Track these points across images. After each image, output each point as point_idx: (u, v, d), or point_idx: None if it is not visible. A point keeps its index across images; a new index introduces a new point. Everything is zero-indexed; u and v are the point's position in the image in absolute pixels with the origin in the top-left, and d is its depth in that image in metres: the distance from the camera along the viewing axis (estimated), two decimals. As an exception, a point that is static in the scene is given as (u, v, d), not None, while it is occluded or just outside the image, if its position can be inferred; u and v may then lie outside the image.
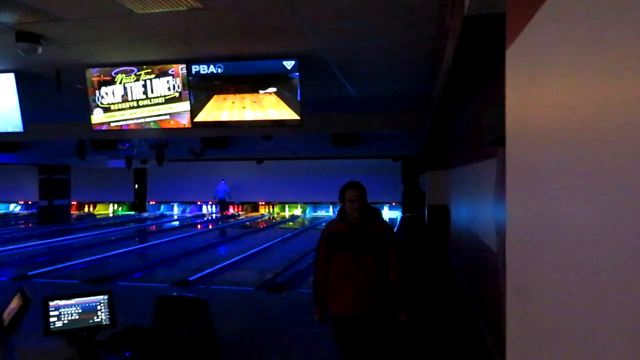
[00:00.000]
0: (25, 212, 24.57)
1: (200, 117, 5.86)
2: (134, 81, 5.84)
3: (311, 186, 21.76)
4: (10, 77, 6.05)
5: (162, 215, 23.13)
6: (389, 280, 3.16)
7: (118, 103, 6.01)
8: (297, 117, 5.60)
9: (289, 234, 14.72)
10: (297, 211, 23.05)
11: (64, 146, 13.00)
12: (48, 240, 13.81)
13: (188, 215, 23.25)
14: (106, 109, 6.08)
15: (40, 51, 4.78)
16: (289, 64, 5.40)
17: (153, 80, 5.80)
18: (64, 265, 9.76)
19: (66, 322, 2.89)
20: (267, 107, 5.63)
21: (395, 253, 3.18)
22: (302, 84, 5.51)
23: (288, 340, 4.70)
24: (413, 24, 4.34)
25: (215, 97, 5.77)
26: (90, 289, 4.17)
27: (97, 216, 23.53)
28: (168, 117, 5.94)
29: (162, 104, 5.90)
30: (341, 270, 3.14)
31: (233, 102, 5.73)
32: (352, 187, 3.22)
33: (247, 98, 5.69)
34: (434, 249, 11.27)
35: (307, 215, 22.31)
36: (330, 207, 22.46)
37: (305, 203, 22.87)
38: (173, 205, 24.63)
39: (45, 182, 18.90)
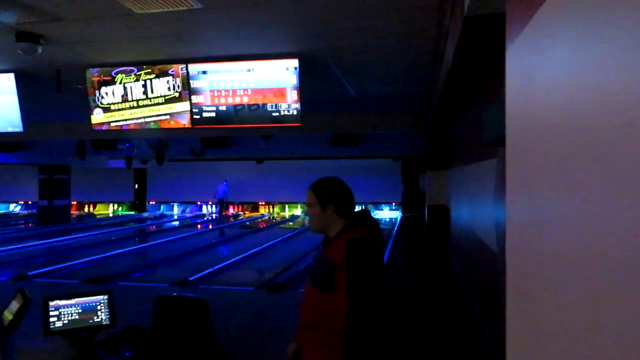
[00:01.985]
0: (25, 212, 24.57)
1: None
2: (134, 81, 5.84)
3: (311, 186, 21.70)
4: (11, 77, 6.05)
5: (162, 215, 23.13)
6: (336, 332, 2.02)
7: (118, 103, 6.00)
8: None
9: (289, 234, 14.72)
10: (297, 211, 23.05)
11: (64, 146, 13.00)
12: (48, 240, 13.81)
13: (188, 215, 23.25)
14: (106, 109, 6.08)
15: (40, 51, 4.78)
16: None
17: (153, 80, 5.80)
18: (64, 265, 9.76)
19: (66, 322, 2.89)
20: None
21: (345, 296, 1.99)
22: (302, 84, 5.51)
23: (288, 341, 4.69)
24: (413, 24, 4.34)
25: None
26: (90, 289, 4.17)
27: (97, 216, 23.54)
28: (168, 117, 5.94)
29: (162, 104, 5.90)
30: None
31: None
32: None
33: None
34: (434, 249, 11.27)
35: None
36: (330, 207, 22.39)
37: (305, 203, 22.84)
38: (173, 205, 24.64)
39: (45, 182, 18.91)
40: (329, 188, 2.27)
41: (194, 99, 5.81)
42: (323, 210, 2.23)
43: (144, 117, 5.99)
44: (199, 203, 24.09)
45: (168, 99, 5.86)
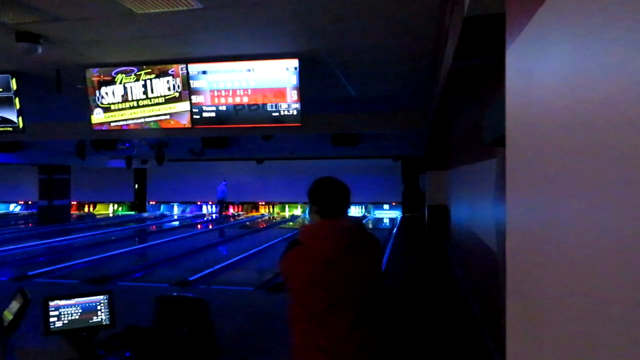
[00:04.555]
0: (25, 212, 24.57)
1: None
2: (134, 81, 5.84)
3: (311, 186, 21.71)
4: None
5: (162, 215, 23.13)
6: None
7: (118, 103, 6.01)
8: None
9: (289, 234, 14.72)
10: (297, 211, 23.07)
11: (64, 146, 13.00)
12: (48, 240, 13.81)
13: (188, 215, 23.25)
14: (106, 109, 6.08)
15: (40, 51, 4.78)
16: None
17: (153, 80, 5.80)
18: (64, 265, 9.76)
19: (66, 322, 2.89)
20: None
21: None
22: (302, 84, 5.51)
23: (288, 340, 4.69)
24: (413, 24, 4.34)
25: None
26: (90, 289, 4.17)
27: (97, 216, 23.54)
28: (168, 117, 5.94)
29: (162, 104, 5.90)
30: None
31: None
32: None
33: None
34: (434, 249, 11.27)
35: (307, 215, 22.29)
36: (330, 207, 22.42)
37: (305, 203, 22.78)
38: (173, 205, 24.65)
39: (45, 182, 18.92)
40: (313, 189, 2.25)
41: (194, 99, 5.81)
42: (311, 211, 2.24)
43: (144, 117, 5.99)
44: (199, 203, 24.09)
45: (168, 99, 5.86)
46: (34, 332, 2.98)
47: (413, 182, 20.51)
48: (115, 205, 25.24)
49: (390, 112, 9.14)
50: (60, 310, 2.89)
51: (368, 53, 5.27)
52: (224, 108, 5.81)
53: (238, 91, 5.71)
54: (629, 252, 0.60)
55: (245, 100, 5.72)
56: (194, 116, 5.88)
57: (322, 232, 2.14)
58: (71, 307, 2.92)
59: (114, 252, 11.18)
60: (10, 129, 6.47)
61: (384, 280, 2.31)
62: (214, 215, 22.71)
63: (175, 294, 5.23)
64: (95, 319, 2.96)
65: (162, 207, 24.63)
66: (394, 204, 22.34)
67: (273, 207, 23.47)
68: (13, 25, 4.41)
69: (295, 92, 5.54)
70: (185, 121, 5.92)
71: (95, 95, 6.03)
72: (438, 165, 12.04)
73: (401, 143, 13.07)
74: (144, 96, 5.89)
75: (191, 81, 5.73)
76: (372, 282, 2.17)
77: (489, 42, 3.01)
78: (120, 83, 5.89)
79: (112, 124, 6.14)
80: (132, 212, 24.20)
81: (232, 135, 11.37)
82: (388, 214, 22.17)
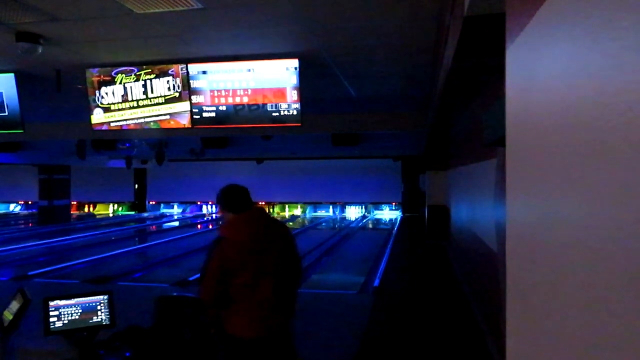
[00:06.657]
0: (25, 212, 24.58)
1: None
2: (134, 81, 5.84)
3: (311, 186, 21.78)
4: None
5: (162, 215, 23.13)
6: None
7: (118, 103, 6.00)
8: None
9: (289, 234, 14.68)
10: (297, 211, 23.08)
11: (64, 146, 13.00)
12: (48, 240, 13.82)
13: (188, 215, 23.26)
14: (106, 109, 6.08)
15: (40, 51, 4.78)
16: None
17: (153, 80, 5.80)
18: (64, 265, 9.77)
19: (66, 322, 2.89)
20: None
21: None
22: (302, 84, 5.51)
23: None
24: (413, 24, 4.34)
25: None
26: (90, 289, 4.17)
27: (97, 216, 23.55)
28: (168, 117, 5.94)
29: (162, 104, 5.89)
30: None
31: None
32: None
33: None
34: (434, 249, 11.27)
35: (307, 215, 22.31)
36: (330, 207, 22.49)
37: (305, 203, 22.90)
38: (173, 205, 24.65)
39: (45, 182, 18.93)
40: (222, 195, 2.91)
41: (194, 99, 5.81)
42: (225, 213, 2.91)
43: (144, 117, 5.99)
44: (199, 203, 24.09)
45: (168, 99, 5.85)
46: (34, 332, 2.98)
47: (413, 182, 20.51)
48: (115, 205, 25.24)
49: (390, 112, 9.13)
50: (60, 310, 2.89)
51: (368, 53, 5.27)
52: (224, 108, 5.81)
53: (238, 91, 5.71)
54: (628, 252, 0.60)
55: (245, 100, 5.72)
56: (194, 116, 5.88)
57: (239, 224, 2.80)
58: (71, 307, 2.92)
59: (114, 252, 11.18)
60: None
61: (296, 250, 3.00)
62: (214, 215, 22.72)
63: (175, 294, 5.23)
64: (95, 319, 2.96)
65: (162, 207, 24.64)
66: (394, 204, 22.35)
67: (273, 207, 23.49)
68: (13, 25, 4.41)
69: (295, 92, 5.54)
70: (185, 121, 5.92)
71: (95, 95, 6.03)
72: (438, 165, 12.05)
73: (401, 143, 13.06)
74: (144, 96, 5.89)
75: (191, 81, 5.73)
76: (287, 255, 2.86)
77: (489, 42, 3.01)
78: (120, 83, 5.89)
79: (112, 124, 6.13)
80: (132, 212, 24.21)
81: (232, 135, 11.37)
82: (388, 214, 22.17)
